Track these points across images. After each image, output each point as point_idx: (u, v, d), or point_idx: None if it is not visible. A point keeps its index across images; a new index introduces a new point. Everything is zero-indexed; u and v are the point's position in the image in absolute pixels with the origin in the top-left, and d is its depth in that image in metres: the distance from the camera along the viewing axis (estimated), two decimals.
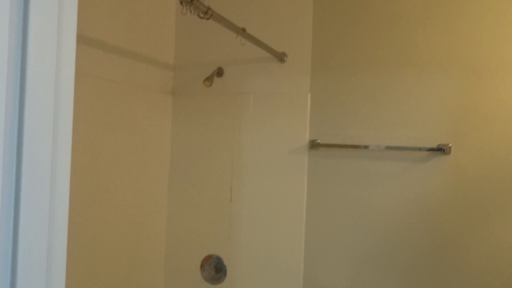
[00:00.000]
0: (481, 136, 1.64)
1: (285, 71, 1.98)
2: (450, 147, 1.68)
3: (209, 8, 1.35)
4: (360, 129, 1.83)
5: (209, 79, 1.96)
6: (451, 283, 1.67)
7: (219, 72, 2.10)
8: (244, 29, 1.59)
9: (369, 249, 1.80)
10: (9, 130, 0.56)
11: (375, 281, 1.79)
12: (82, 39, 1.64)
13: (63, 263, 0.64)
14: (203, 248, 2.14)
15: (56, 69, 0.61)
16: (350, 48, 1.86)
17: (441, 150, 1.67)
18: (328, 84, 1.89)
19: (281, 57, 1.96)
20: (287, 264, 1.94)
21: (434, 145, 1.70)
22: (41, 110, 0.59)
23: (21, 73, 0.56)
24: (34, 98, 0.58)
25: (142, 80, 2.00)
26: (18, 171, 0.57)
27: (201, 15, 1.35)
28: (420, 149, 1.70)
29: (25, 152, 0.56)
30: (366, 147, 1.78)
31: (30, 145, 0.58)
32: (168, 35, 2.20)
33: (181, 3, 1.25)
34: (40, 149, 0.59)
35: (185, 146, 2.19)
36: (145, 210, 2.07)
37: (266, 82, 2.01)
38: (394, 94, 1.77)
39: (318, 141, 1.89)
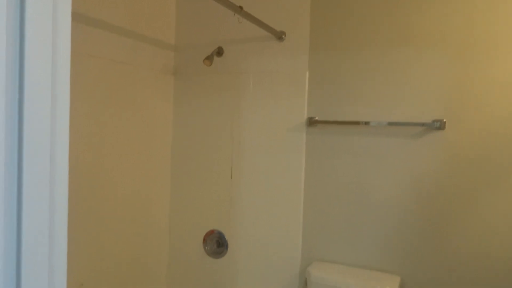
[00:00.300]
0: (475, 112, 1.66)
1: (283, 49, 2.01)
2: (444, 122, 1.71)
3: None
4: (357, 106, 1.86)
5: (209, 59, 2.00)
6: (444, 256, 1.72)
7: (219, 52, 2.14)
8: (241, 7, 1.62)
9: (364, 223, 1.85)
10: (10, 110, 0.60)
11: (369, 254, 1.85)
12: (84, 20, 1.68)
13: (65, 247, 0.68)
14: (205, 224, 2.21)
15: (53, 47, 0.65)
16: (348, 26, 1.88)
17: (435, 125, 1.70)
18: (326, 62, 1.92)
19: (279, 36, 1.98)
20: (286, 238, 2.01)
21: (429, 120, 1.74)
22: (39, 92, 0.63)
23: (20, 54, 0.61)
24: (32, 79, 0.62)
25: (144, 61, 2.05)
26: (20, 152, 0.61)
27: None
28: (415, 124, 1.73)
29: (25, 132, 0.61)
30: (362, 123, 1.82)
31: (30, 124, 0.62)
32: (169, 15, 2.23)
33: None
34: (39, 129, 0.63)
35: (187, 124, 2.25)
36: (148, 188, 2.13)
37: (265, 61, 2.04)
38: (391, 71, 1.80)
39: (316, 118, 1.93)
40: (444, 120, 1.71)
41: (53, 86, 0.66)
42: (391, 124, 1.77)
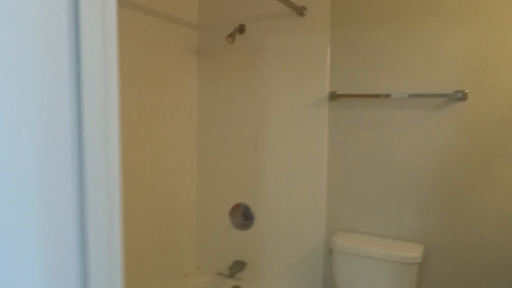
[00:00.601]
0: (497, 82, 1.67)
1: (304, 25, 2.03)
2: (466, 93, 1.72)
3: None
4: (378, 79, 1.88)
5: (231, 36, 2.04)
6: (466, 223, 1.76)
7: (241, 29, 2.18)
8: None
9: (387, 193, 1.90)
10: (71, 92, 0.69)
11: (392, 223, 1.90)
12: None
13: (119, 225, 0.77)
14: (231, 197, 2.30)
15: (104, 33, 0.73)
16: (368, 0, 1.88)
17: (457, 96, 1.71)
18: (347, 36, 1.94)
19: (300, 11, 2.00)
20: (311, 209, 2.08)
21: (451, 91, 1.75)
22: (94, 73, 0.72)
23: (76, 41, 0.69)
24: (88, 62, 0.71)
25: (167, 40, 2.11)
26: (80, 127, 0.70)
27: None
28: (437, 95, 1.75)
29: (85, 111, 0.70)
30: (383, 96, 1.84)
31: (88, 104, 0.71)
32: None
33: None
34: (95, 106, 0.72)
35: (211, 101, 2.31)
36: (176, 164, 2.23)
37: (287, 37, 2.07)
38: (413, 44, 1.81)
39: (338, 92, 1.96)
40: (466, 91, 1.72)
41: (105, 64, 0.75)
42: (412, 96, 1.79)
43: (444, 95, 1.74)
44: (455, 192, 1.77)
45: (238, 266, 2.27)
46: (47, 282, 0.65)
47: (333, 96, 1.96)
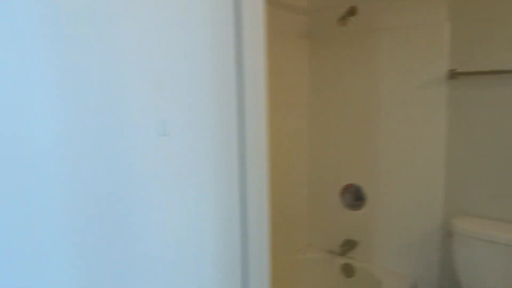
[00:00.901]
0: None
1: (419, 1, 1.95)
2: None
3: None
4: (503, 54, 1.75)
5: (343, 19, 2.05)
6: None
7: (352, 11, 2.17)
8: None
9: None
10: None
11: None
12: None
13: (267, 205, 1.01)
14: (342, 178, 2.35)
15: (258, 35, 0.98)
16: None
17: None
18: (467, 8, 1.82)
19: None
20: (427, 191, 2.03)
21: None
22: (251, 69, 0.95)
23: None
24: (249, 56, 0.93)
25: (279, 25, 2.19)
26: (241, 110, 0.93)
27: None
28: None
29: (246, 97, 0.93)
30: (510, 71, 1.71)
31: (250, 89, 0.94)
32: None
33: None
34: (252, 94, 0.96)
35: (322, 84, 2.36)
36: (288, 143, 2.34)
37: (400, 14, 2.02)
38: None
39: (457, 70, 1.87)
40: None
41: (256, 60, 0.92)
42: None
43: None
44: None
45: (349, 245, 2.33)
46: (222, 224, 0.96)
47: (453, 75, 1.87)
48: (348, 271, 2.29)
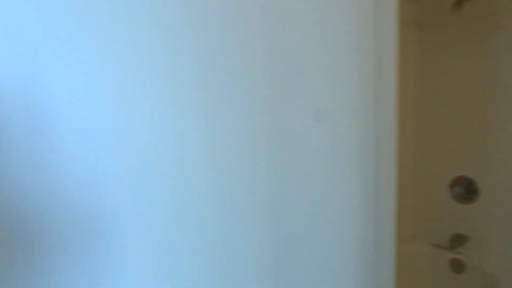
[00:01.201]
0: None
1: None
2: None
3: None
4: None
5: (458, 3, 1.97)
6: None
7: None
8: None
9: None
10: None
11: None
12: None
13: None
14: (453, 169, 2.26)
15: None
16: None
17: None
18: None
19: None
20: None
21: None
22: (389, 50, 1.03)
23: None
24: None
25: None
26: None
27: None
28: None
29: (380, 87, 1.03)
30: None
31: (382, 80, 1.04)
32: None
33: None
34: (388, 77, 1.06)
35: (432, 72, 2.29)
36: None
37: None
38: None
39: None
40: None
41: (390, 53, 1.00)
42: None
43: None
44: None
45: (459, 240, 2.24)
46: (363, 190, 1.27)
47: None
48: (457, 266, 2.21)
